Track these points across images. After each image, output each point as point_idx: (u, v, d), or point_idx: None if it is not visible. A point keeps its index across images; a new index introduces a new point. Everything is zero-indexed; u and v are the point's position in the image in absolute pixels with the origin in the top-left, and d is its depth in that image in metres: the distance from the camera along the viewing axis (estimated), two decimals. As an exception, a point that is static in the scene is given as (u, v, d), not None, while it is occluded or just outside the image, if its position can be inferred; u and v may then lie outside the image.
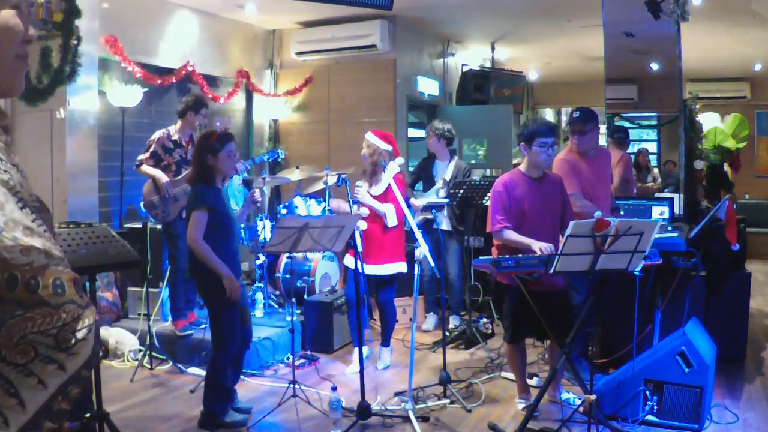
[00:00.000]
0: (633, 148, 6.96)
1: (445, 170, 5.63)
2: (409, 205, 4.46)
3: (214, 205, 3.59)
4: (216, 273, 3.49)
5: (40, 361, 0.76)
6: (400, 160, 4.64)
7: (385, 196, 4.50)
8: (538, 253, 3.41)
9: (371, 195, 4.55)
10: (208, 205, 3.56)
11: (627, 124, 6.38)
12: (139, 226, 5.29)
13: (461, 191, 5.13)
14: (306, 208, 5.90)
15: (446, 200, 5.37)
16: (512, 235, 3.63)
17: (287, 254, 4.77)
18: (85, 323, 0.78)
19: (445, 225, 5.59)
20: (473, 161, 8.16)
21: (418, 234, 3.93)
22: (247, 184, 6.31)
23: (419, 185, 5.85)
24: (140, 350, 4.80)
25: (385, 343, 4.78)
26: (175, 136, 4.86)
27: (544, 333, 3.71)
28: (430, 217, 5.49)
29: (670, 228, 4.31)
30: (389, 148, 4.57)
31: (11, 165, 0.85)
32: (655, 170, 7.83)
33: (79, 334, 0.78)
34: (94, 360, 0.79)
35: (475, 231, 5.69)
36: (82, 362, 0.78)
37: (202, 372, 4.19)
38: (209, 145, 3.67)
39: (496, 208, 3.71)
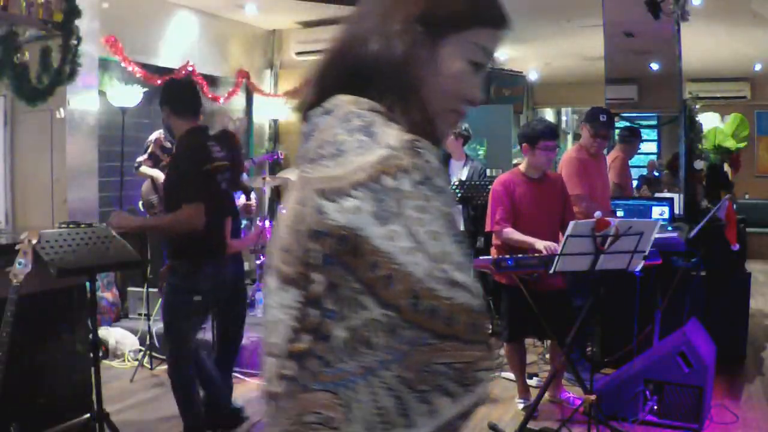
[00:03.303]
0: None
1: (461, 170, 5.61)
2: None
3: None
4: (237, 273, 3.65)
5: (437, 391, 0.79)
6: None
7: None
8: (544, 252, 3.41)
9: None
10: (235, 212, 3.61)
11: (627, 124, 6.37)
12: (139, 226, 5.28)
13: (461, 191, 5.13)
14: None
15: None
16: (513, 234, 3.63)
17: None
18: (487, 365, 0.81)
19: (459, 225, 5.57)
20: (474, 161, 8.15)
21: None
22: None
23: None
24: (140, 350, 4.79)
25: None
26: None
27: (544, 333, 3.71)
28: None
29: (670, 228, 4.30)
30: None
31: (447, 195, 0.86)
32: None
33: (480, 375, 0.80)
34: (485, 402, 0.82)
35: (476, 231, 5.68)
36: (476, 401, 0.81)
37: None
38: (239, 145, 3.70)
39: (496, 207, 3.71)
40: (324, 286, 0.82)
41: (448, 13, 0.91)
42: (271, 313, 0.88)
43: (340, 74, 0.93)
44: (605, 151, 4.79)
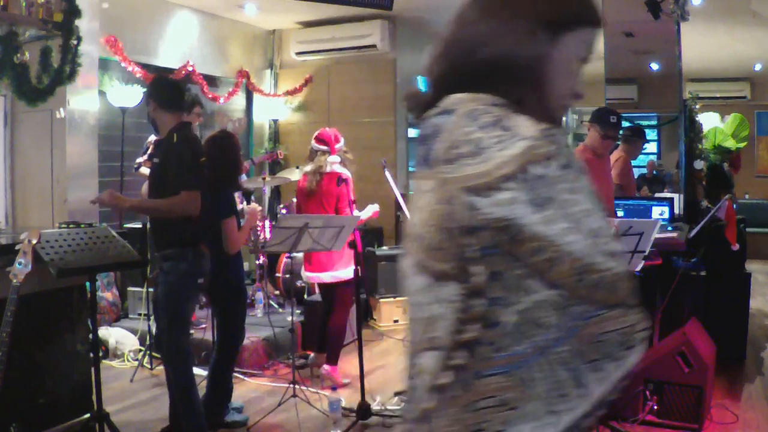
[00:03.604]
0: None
1: None
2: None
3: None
4: (238, 273, 3.74)
5: (606, 357, 0.85)
6: (334, 158, 4.39)
7: None
8: None
9: None
10: (236, 211, 3.65)
11: (628, 124, 6.35)
12: (139, 226, 5.30)
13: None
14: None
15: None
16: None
17: (287, 254, 4.77)
18: (644, 326, 0.87)
19: None
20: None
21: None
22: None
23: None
24: (140, 350, 4.80)
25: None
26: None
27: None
28: None
29: (670, 228, 4.30)
30: (323, 147, 4.39)
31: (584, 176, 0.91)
32: None
33: (640, 336, 0.87)
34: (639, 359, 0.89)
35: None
36: (636, 360, 0.88)
37: (202, 372, 4.20)
38: (238, 146, 3.75)
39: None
40: (486, 277, 0.86)
41: (565, 14, 0.99)
42: (426, 309, 0.91)
43: (462, 74, 0.97)
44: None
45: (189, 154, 3.24)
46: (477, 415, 0.86)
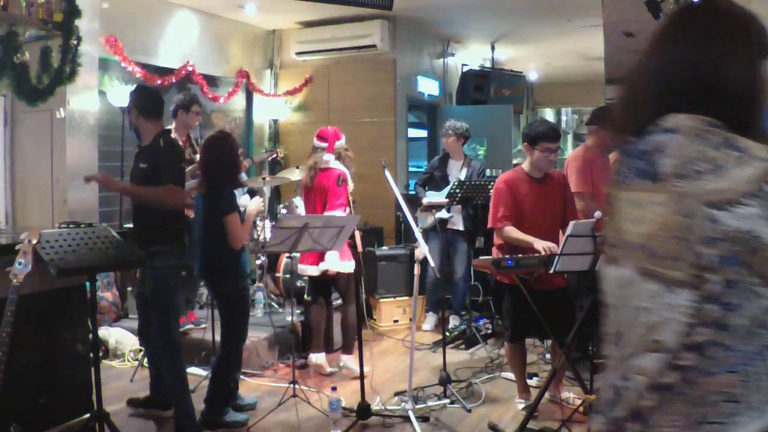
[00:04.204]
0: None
1: (459, 171, 5.64)
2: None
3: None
4: (239, 270, 3.78)
5: None
6: (329, 156, 4.41)
7: None
8: (542, 252, 3.41)
9: None
10: (238, 208, 3.69)
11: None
12: (139, 226, 5.29)
13: (461, 191, 5.13)
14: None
15: (445, 201, 5.37)
16: (513, 232, 3.63)
17: (287, 254, 4.77)
18: None
19: (459, 225, 5.60)
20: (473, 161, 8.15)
21: (418, 234, 3.93)
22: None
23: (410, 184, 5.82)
24: (140, 350, 4.79)
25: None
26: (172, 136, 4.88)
27: (546, 332, 3.71)
28: (445, 216, 5.51)
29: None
30: (323, 144, 4.46)
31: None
32: None
33: None
34: None
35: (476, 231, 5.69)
36: None
37: (202, 372, 4.21)
38: (237, 145, 3.80)
39: (498, 205, 3.71)
40: (721, 284, 0.94)
41: (766, 43, 1.10)
42: (653, 314, 0.99)
43: (683, 97, 1.07)
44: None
45: (177, 158, 3.50)
46: (702, 410, 0.94)
